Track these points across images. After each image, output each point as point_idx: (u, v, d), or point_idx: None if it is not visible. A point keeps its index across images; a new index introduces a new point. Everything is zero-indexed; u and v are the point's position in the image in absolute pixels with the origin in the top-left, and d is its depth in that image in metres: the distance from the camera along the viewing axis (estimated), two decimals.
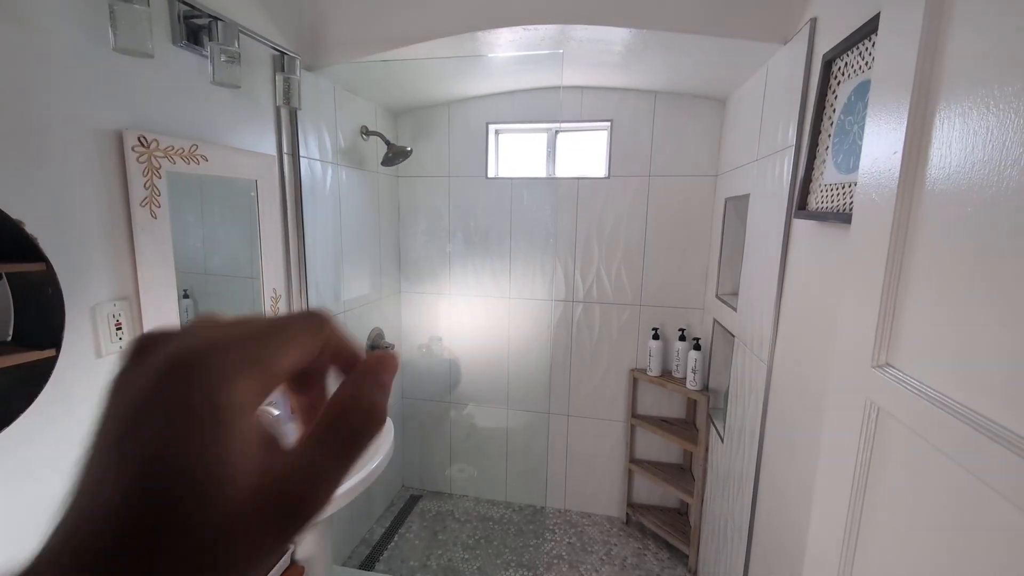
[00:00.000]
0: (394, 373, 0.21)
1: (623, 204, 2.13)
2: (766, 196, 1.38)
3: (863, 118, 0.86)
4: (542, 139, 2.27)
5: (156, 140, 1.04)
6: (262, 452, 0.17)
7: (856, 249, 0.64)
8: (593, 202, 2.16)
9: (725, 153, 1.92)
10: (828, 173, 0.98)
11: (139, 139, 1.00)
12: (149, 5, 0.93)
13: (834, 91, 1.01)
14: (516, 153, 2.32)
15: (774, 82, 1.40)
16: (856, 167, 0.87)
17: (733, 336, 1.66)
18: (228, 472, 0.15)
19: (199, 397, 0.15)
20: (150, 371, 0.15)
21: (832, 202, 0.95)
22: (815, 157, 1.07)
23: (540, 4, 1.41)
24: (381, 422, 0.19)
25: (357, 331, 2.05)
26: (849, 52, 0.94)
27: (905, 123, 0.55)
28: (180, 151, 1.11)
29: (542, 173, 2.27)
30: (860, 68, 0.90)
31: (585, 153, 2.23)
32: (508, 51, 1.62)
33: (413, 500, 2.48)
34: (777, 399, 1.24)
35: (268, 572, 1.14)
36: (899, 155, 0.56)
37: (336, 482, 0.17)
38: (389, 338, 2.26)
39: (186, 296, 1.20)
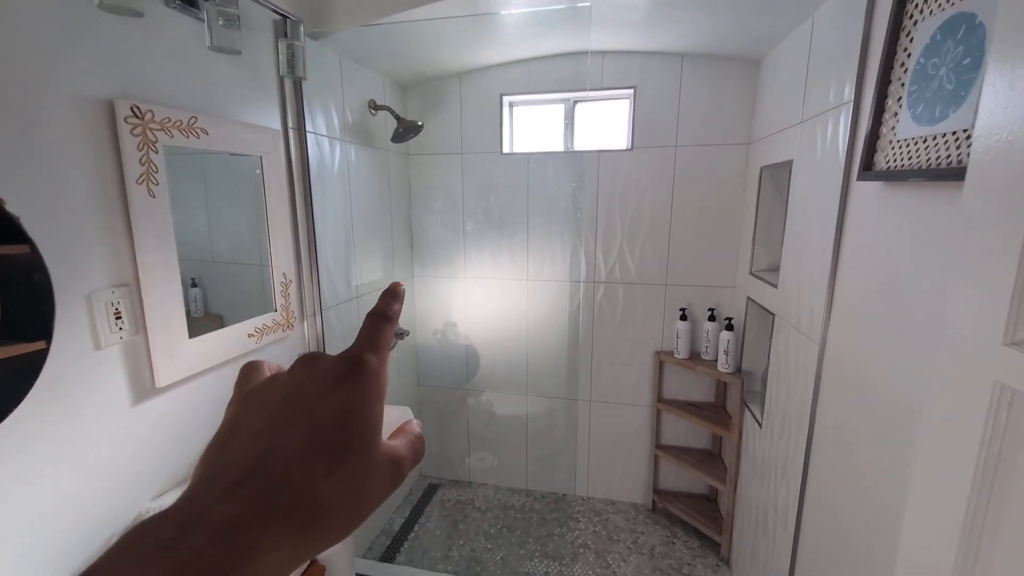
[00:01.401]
0: (418, 457, 0.28)
1: (647, 177, 2.01)
2: (815, 160, 1.26)
3: (958, 57, 0.74)
4: (559, 111, 2.15)
5: (151, 111, 0.95)
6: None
7: (976, 210, 0.53)
8: (615, 176, 2.04)
9: (760, 118, 1.79)
10: (903, 127, 0.87)
11: (132, 109, 0.91)
12: None
13: (908, 33, 0.88)
14: (532, 126, 2.20)
15: (822, 35, 1.27)
16: (944, 116, 0.76)
17: (772, 315, 1.56)
18: (379, 430, 0.25)
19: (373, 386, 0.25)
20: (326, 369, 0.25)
21: (911, 159, 0.84)
22: (883, 111, 0.95)
23: None
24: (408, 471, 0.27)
25: None
26: None
27: None
28: (178, 123, 1.01)
29: (560, 147, 2.15)
30: (948, 1, 0.78)
31: (606, 124, 2.11)
32: (526, 6, 1.49)
33: (432, 489, 2.43)
34: (831, 382, 1.14)
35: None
36: None
37: (404, 478, 0.26)
38: (404, 323, 2.18)
39: (195, 285, 1.12)
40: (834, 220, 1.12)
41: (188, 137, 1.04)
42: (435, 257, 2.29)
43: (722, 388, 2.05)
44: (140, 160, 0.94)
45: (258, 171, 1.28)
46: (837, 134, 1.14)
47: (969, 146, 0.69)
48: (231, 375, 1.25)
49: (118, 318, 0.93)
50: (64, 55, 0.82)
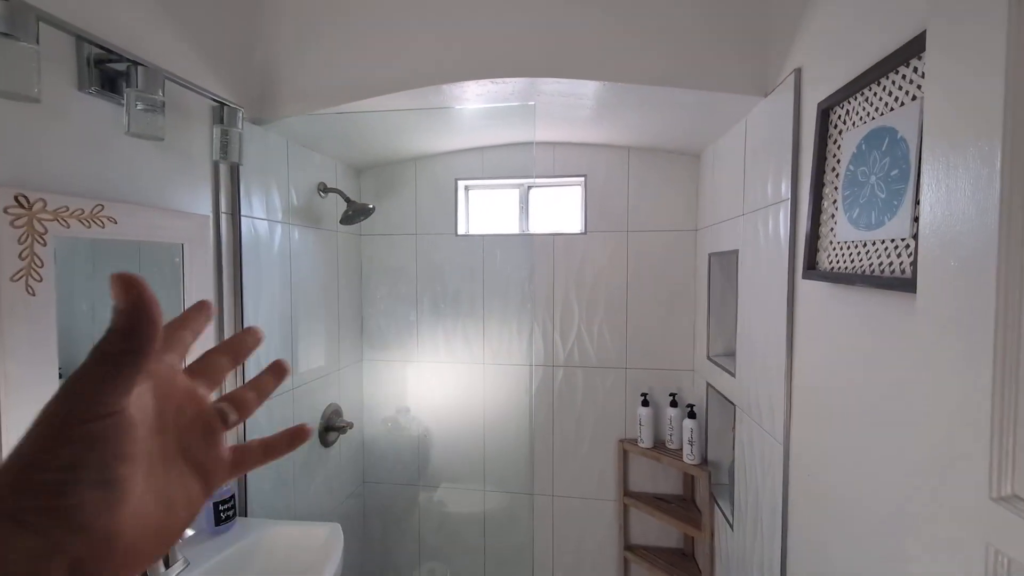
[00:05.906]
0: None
1: (602, 260, 2.01)
2: (759, 253, 1.27)
3: (884, 168, 0.75)
4: (514, 195, 2.17)
5: (43, 200, 0.85)
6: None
7: (931, 335, 0.49)
8: (570, 259, 2.03)
9: (703, 208, 1.84)
10: (842, 230, 0.87)
11: (17, 199, 0.81)
12: (39, 43, 0.77)
13: (836, 141, 0.91)
14: (487, 209, 2.20)
15: (755, 136, 1.33)
16: (880, 223, 0.75)
17: (732, 404, 1.50)
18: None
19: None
20: None
21: (852, 262, 0.83)
22: (820, 212, 0.96)
23: (506, 57, 1.33)
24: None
25: (310, 409, 1.79)
26: (852, 99, 0.85)
27: (999, 161, 0.42)
28: (78, 212, 0.91)
29: (515, 229, 2.15)
30: (868, 115, 0.81)
31: (560, 208, 2.13)
32: (476, 103, 1.52)
33: None
34: (800, 483, 1.06)
35: None
36: (995, 205, 0.42)
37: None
38: (348, 415, 2.00)
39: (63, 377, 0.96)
40: (784, 315, 1.10)
41: (90, 227, 0.94)
42: (386, 340, 2.17)
43: (690, 480, 1.93)
44: (20, 254, 0.82)
45: (178, 259, 1.17)
46: (778, 229, 1.15)
47: (910, 255, 0.68)
48: None
49: None
50: None
